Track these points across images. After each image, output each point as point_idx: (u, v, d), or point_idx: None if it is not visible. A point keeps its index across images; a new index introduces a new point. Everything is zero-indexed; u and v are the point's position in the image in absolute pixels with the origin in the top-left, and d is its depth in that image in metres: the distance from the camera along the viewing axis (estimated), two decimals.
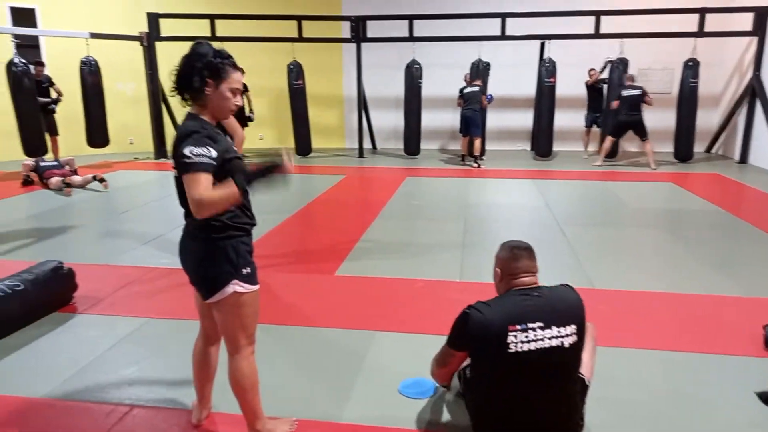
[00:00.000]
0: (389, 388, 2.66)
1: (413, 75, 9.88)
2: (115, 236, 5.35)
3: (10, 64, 7.95)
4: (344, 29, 10.64)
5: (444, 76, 10.63)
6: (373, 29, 9.91)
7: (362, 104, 10.42)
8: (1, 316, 3.08)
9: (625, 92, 8.82)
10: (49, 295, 3.44)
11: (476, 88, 9.19)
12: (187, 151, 1.85)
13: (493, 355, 1.99)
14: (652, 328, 3.32)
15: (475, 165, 9.24)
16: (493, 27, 9.44)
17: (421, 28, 9.71)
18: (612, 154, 9.64)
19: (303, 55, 10.05)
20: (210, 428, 2.37)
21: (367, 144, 10.86)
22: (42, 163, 7.76)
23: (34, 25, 9.71)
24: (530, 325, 1.96)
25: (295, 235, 5.53)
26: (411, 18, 9.63)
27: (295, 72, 9.97)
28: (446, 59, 10.69)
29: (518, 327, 1.95)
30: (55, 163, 7.90)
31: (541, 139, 10.00)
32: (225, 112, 2.03)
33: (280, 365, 2.87)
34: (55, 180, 7.37)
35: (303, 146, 10.42)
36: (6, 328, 3.14)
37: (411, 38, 9.69)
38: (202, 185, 1.84)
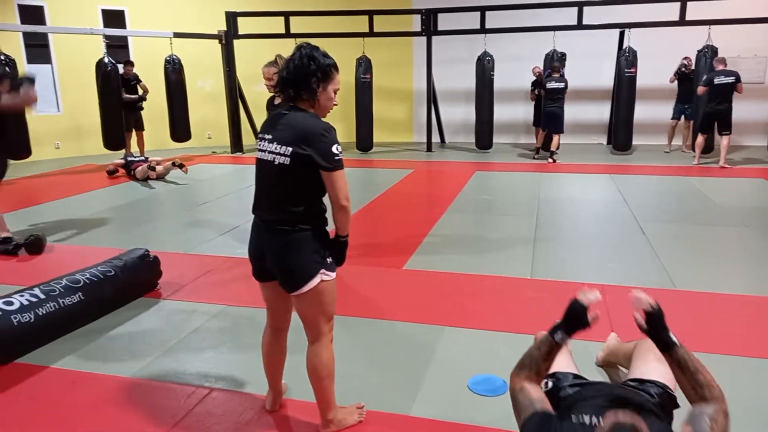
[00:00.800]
0: (458, 383, 2.65)
1: (485, 67, 9.72)
2: (195, 226, 5.61)
3: (99, 64, 8.49)
4: (415, 23, 10.63)
5: (516, 68, 10.39)
6: (443, 22, 9.83)
7: (432, 98, 10.37)
8: (94, 299, 3.31)
9: (717, 79, 7.88)
10: (137, 280, 3.67)
11: (561, 84, 8.92)
12: (335, 148, 1.98)
13: None
14: (739, 332, 3.12)
15: (551, 160, 8.99)
16: (569, 16, 9.12)
17: (493, 19, 9.53)
18: (707, 149, 8.60)
19: (373, 50, 10.12)
20: (283, 414, 2.45)
21: (435, 138, 10.81)
22: (129, 158, 8.28)
23: (123, 26, 10.31)
24: None
25: (363, 228, 5.58)
26: (483, 9, 9.47)
27: (364, 66, 10.05)
28: (518, 51, 10.45)
29: None
30: (142, 158, 8.39)
31: (620, 132, 9.58)
32: (327, 111, 2.14)
33: (349, 355, 2.92)
34: (141, 168, 7.83)
35: (365, 141, 10.35)
36: (99, 311, 3.37)
37: (482, 30, 9.53)
38: (346, 183, 1.99)
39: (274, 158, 2.04)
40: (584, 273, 4.09)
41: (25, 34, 9.26)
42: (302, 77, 2.04)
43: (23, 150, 7.78)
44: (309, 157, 1.98)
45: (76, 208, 6.44)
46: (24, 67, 8.88)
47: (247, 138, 11.04)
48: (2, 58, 7.46)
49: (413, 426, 2.35)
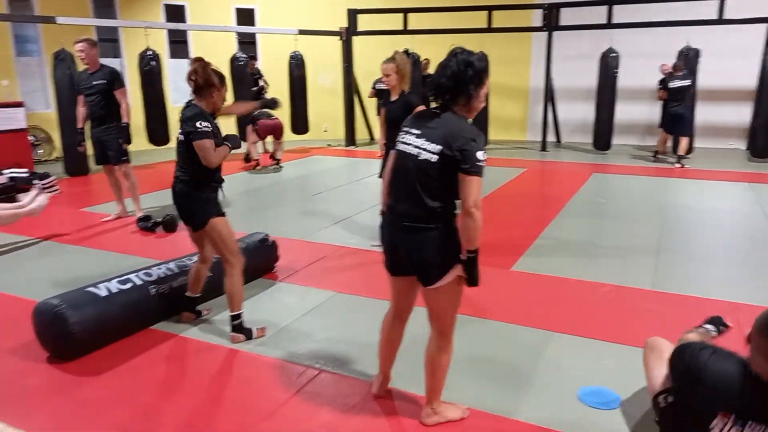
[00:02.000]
0: (567, 392, 2.56)
1: (609, 64, 9.22)
2: (310, 215, 5.87)
3: (233, 59, 9.11)
4: (535, 18, 10.31)
5: (642, 66, 9.74)
6: (566, 17, 9.44)
7: (549, 96, 10.02)
8: (220, 277, 3.56)
9: None
10: (257, 262, 3.90)
11: (687, 82, 8.26)
12: (480, 155, 2.01)
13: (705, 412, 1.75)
14: None
15: (678, 165, 8.35)
16: (707, 10, 8.39)
17: (621, 13, 9.00)
18: None
19: (490, 46, 9.94)
20: (387, 401, 2.50)
21: (550, 137, 10.44)
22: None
23: (253, 23, 10.98)
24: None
25: None
26: (611, 3, 8.97)
27: None
28: (647, 47, 9.79)
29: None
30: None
31: (762, 137, 8.67)
32: (476, 112, 2.18)
33: (455, 352, 2.92)
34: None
35: None
36: (223, 288, 3.63)
37: (609, 25, 9.03)
38: (480, 192, 2.03)
39: (419, 153, 2.09)
40: (713, 289, 3.76)
41: (169, 31, 10.14)
42: (461, 84, 2.07)
43: (164, 137, 8.58)
44: (454, 158, 2.01)
45: None
46: (166, 61, 9.73)
47: (361, 132, 11.35)
48: (149, 53, 8.24)
49: (517, 429, 2.31)
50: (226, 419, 2.39)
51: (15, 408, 2.45)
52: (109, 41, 10.01)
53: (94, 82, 5.14)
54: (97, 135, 5.31)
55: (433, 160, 2.05)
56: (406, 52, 4.24)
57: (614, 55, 9.17)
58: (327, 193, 6.96)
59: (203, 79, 2.92)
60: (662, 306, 3.48)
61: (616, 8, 8.95)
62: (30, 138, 7.86)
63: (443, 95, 2.11)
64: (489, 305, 3.51)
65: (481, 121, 10.07)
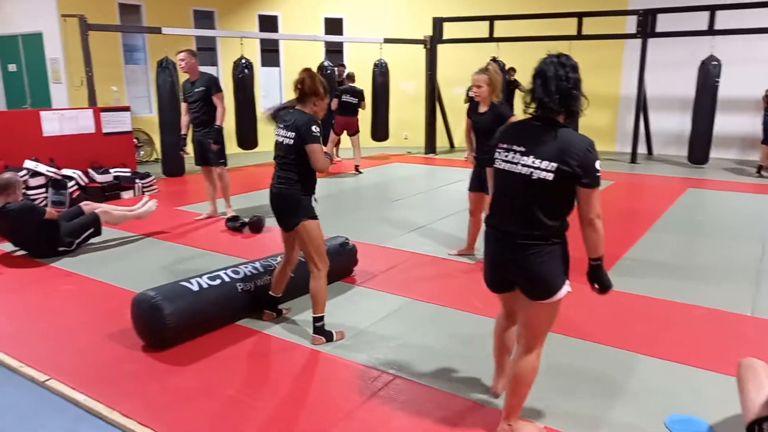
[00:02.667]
0: (653, 418, 2.43)
1: (709, 73, 8.67)
2: (388, 221, 5.92)
3: (321, 67, 9.39)
4: (628, 24, 9.89)
5: (746, 74, 9.12)
6: (662, 23, 8.98)
7: (642, 105, 9.56)
8: (301, 278, 3.68)
9: None
10: (337, 266, 3.99)
11: None
12: (597, 164, 2.01)
13: None
14: None
15: None
16: None
17: (725, 19, 8.44)
18: None
19: (578, 53, 9.63)
20: (457, 411, 2.48)
21: (641, 149, 9.95)
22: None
23: (340, 32, 11.27)
24: None
25: None
26: (713, 8, 8.44)
27: None
28: (754, 54, 9.13)
29: None
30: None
31: None
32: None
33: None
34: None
35: None
36: (305, 289, 3.73)
37: (711, 31, 8.50)
38: (600, 200, 2.03)
39: (532, 172, 2.02)
40: None
41: (262, 40, 10.62)
42: (570, 94, 2.05)
43: (253, 142, 8.98)
44: (573, 173, 1.98)
45: None
46: (258, 69, 10.17)
47: (441, 140, 11.34)
48: (243, 61, 8.66)
49: None
50: (305, 417, 2.47)
51: (113, 390, 2.65)
52: (207, 50, 10.63)
53: (196, 90, 5.49)
54: (198, 138, 5.65)
55: (549, 179, 1.99)
56: (494, 60, 4.19)
57: (715, 63, 8.62)
58: (406, 200, 7.01)
59: (310, 88, 3.05)
60: (762, 333, 3.23)
61: (719, 13, 8.41)
62: (134, 140, 8.48)
63: (548, 105, 2.04)
64: (572, 322, 3.39)
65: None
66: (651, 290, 3.91)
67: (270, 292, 3.40)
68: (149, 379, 2.77)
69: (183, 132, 5.81)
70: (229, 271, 3.37)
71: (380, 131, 10.14)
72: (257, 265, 3.53)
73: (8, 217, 4.45)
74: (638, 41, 9.21)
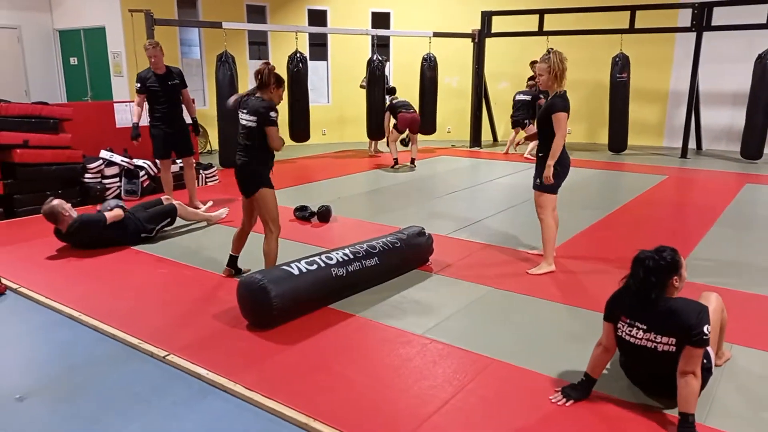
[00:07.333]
0: (755, 405, 2.50)
1: (766, 67, 8.54)
2: (444, 215, 5.99)
3: (370, 61, 9.51)
4: (681, 18, 9.77)
5: None
6: (718, 16, 8.86)
7: (694, 100, 9.45)
8: (386, 264, 3.84)
9: None
10: (416, 253, 4.14)
11: None
12: (706, 329, 2.27)
13: None
14: None
15: None
16: None
17: None
18: None
19: (629, 47, 9.59)
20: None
21: (691, 144, 9.84)
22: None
23: (388, 26, 11.36)
24: None
25: (621, 233, 5.39)
26: None
27: (621, 64, 9.59)
28: None
29: None
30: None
31: None
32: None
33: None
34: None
35: (618, 142, 10.00)
36: (387, 275, 3.90)
37: None
38: None
39: (656, 346, 2.35)
40: None
41: (311, 35, 10.78)
42: (659, 284, 2.42)
43: (305, 135, 9.17)
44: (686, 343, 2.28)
45: (343, 187, 7.38)
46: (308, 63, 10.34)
47: (486, 134, 11.37)
48: (298, 56, 8.83)
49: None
50: (405, 401, 2.60)
51: (231, 365, 2.83)
52: (259, 44, 10.86)
53: (170, 83, 5.72)
54: (166, 131, 5.80)
55: (672, 350, 2.31)
56: (549, 52, 4.08)
57: None
58: (458, 194, 7.05)
59: (267, 78, 3.62)
60: None
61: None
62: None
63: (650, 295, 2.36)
64: None
65: (622, 124, 9.79)
66: (729, 285, 3.93)
67: (230, 252, 4.02)
68: (261, 356, 2.93)
69: (136, 120, 5.74)
70: (323, 257, 3.52)
71: (428, 125, 10.21)
72: (347, 251, 3.67)
73: (73, 239, 4.59)
74: (690, 35, 9.10)
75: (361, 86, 9.86)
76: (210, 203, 5.91)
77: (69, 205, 4.67)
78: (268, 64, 3.69)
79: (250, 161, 3.68)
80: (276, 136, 3.63)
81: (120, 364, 2.91)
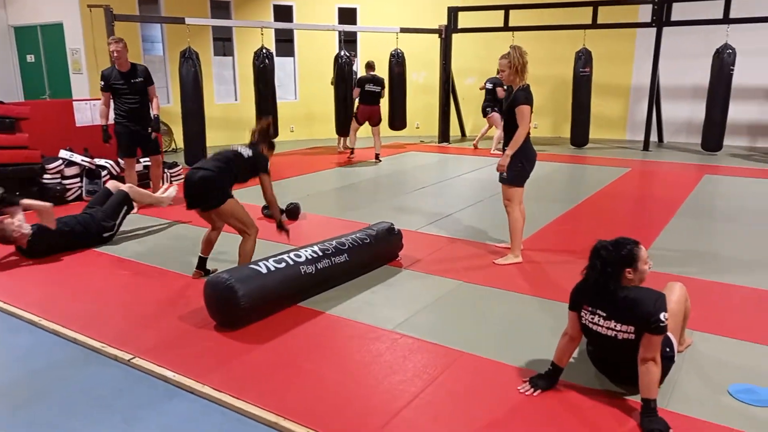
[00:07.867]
0: (716, 389, 2.58)
1: (723, 62, 8.80)
2: (413, 210, 6.02)
3: (337, 57, 9.45)
4: (641, 13, 10.00)
5: (759, 63, 9.25)
6: (677, 12, 9.09)
7: (655, 94, 9.68)
8: (356, 261, 3.82)
9: None
10: (386, 249, 4.13)
11: None
12: (663, 316, 2.30)
13: None
14: None
15: None
16: None
17: (741, 7, 8.54)
18: None
19: (592, 43, 9.77)
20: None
21: (652, 137, 10.09)
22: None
23: (354, 22, 11.31)
24: None
25: (581, 226, 5.49)
26: None
27: (584, 59, 9.75)
28: (765, 43, 9.26)
29: None
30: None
31: None
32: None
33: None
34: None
35: (580, 136, 10.16)
36: (358, 272, 3.89)
37: (726, 20, 8.61)
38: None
39: (616, 334, 2.40)
40: None
41: (277, 31, 10.66)
42: (615, 275, 2.42)
43: (273, 132, 9.06)
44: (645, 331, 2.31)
45: (312, 184, 7.34)
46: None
47: (454, 129, 11.44)
48: (264, 51, 8.72)
49: (670, 419, 2.36)
50: (378, 396, 2.60)
51: (197, 366, 2.78)
52: (224, 40, 10.69)
53: (134, 81, 5.65)
54: (131, 129, 5.76)
55: (632, 338, 2.36)
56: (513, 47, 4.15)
57: (730, 51, 8.75)
58: (427, 189, 7.08)
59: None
60: None
61: (735, 2, 8.52)
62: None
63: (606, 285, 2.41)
64: None
65: (584, 118, 9.96)
66: (690, 274, 4.04)
67: (200, 254, 3.96)
68: (229, 356, 2.89)
69: (104, 123, 5.72)
70: (291, 255, 3.48)
71: (398, 121, 10.22)
72: (316, 248, 3.64)
73: (30, 252, 4.36)
74: (650, 31, 9.32)
75: (332, 83, 9.80)
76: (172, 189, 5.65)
77: (17, 218, 4.28)
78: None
79: (217, 177, 3.60)
80: (268, 185, 3.87)
81: (82, 368, 2.83)
